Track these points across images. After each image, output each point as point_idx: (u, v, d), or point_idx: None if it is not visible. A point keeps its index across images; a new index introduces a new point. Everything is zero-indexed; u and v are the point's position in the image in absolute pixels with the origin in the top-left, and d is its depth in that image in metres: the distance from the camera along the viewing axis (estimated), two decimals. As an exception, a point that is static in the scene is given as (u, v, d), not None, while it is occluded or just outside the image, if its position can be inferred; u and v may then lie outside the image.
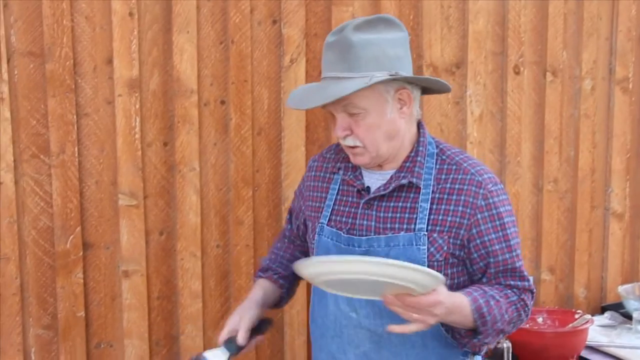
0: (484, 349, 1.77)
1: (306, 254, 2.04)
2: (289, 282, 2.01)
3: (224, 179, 2.46)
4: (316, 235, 1.83)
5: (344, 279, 1.50)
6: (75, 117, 2.22)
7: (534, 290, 1.78)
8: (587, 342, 2.60)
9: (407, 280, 1.45)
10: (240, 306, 1.88)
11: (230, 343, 1.79)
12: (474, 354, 1.81)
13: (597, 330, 2.77)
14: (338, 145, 1.88)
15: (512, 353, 2.55)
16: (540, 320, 2.71)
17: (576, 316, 2.64)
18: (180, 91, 2.35)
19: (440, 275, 1.48)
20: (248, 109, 2.45)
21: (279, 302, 2.02)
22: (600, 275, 3.22)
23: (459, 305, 1.61)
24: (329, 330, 1.81)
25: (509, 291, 1.73)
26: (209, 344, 2.50)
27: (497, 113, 2.91)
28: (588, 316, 2.60)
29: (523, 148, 2.98)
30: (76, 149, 2.24)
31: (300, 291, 2.42)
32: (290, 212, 2.11)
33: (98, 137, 2.28)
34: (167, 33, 2.32)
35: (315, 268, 1.51)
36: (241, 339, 1.77)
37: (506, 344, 2.53)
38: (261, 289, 1.95)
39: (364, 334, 1.74)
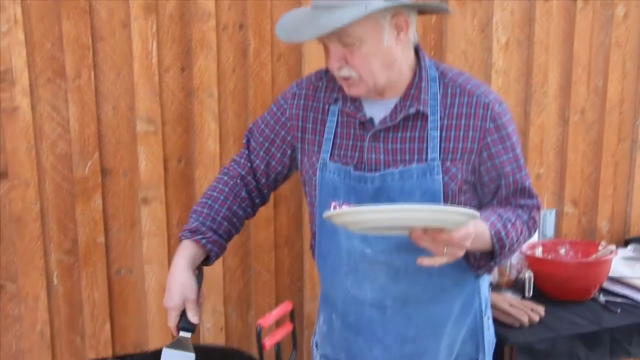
0: (495, 269, 1.76)
1: (256, 202, 1.86)
2: (219, 247, 1.78)
3: (242, 106, 2.42)
4: (318, 171, 1.73)
5: (378, 226, 1.45)
6: (90, 40, 2.18)
7: (541, 206, 1.77)
8: (609, 274, 2.57)
9: (444, 222, 1.41)
10: (176, 281, 1.67)
11: (184, 323, 1.68)
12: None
13: (620, 263, 2.74)
14: (328, 71, 1.75)
15: (534, 284, 2.54)
16: (562, 251, 2.67)
17: (600, 247, 2.60)
18: (197, 15, 2.29)
19: (475, 212, 1.44)
20: (267, 34, 2.38)
21: (204, 262, 1.81)
22: (625, 208, 3.16)
23: (481, 232, 1.57)
24: (342, 267, 1.76)
25: (520, 211, 1.71)
26: (228, 272, 2.52)
27: (524, 41, 2.81)
28: (612, 247, 2.56)
29: (550, 78, 2.89)
30: (92, 73, 2.20)
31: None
32: (249, 146, 1.87)
33: (114, 61, 2.24)
34: (184, -47, 2.25)
35: (349, 217, 1.42)
36: (194, 318, 1.66)
37: (527, 274, 2.52)
38: (190, 255, 1.73)
39: (380, 269, 1.71)
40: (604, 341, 2.35)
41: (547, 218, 2.97)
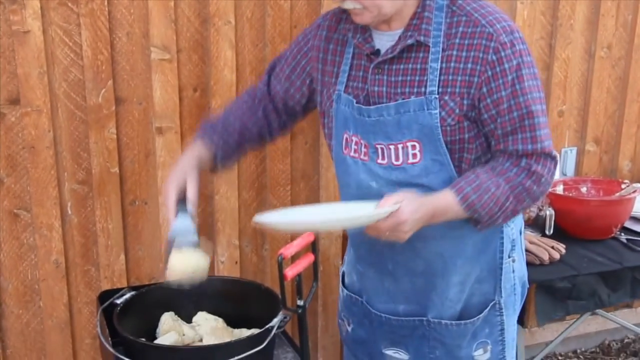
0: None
1: (273, 125, 1.85)
2: (224, 152, 1.80)
3: (260, 34, 2.34)
4: (334, 103, 1.70)
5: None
6: (103, -39, 2.10)
7: (552, 153, 1.60)
8: (631, 213, 2.53)
9: (355, 223, 1.51)
10: (177, 166, 1.70)
11: (182, 205, 1.62)
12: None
13: (642, 202, 2.69)
14: None
15: (555, 221, 2.50)
16: (584, 190, 2.63)
17: (623, 186, 2.55)
18: (214, -64, 2.19)
19: (371, 214, 1.48)
20: (286, -41, 2.29)
21: (212, 168, 1.83)
22: (648, 148, 3.10)
23: (442, 207, 1.55)
24: (354, 198, 1.73)
25: (514, 169, 1.57)
26: (243, 205, 2.48)
27: (551, -29, 2.71)
28: (637, 185, 2.51)
29: (577, 10, 2.79)
30: (105, -4, 2.13)
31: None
32: (272, 73, 1.85)
33: (128, -15, 2.15)
34: None
35: (271, 227, 1.58)
36: (191, 195, 1.63)
37: (549, 212, 2.47)
38: (196, 151, 1.77)
39: None
40: (625, 280, 2.32)
41: (568, 156, 2.92)
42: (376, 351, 1.86)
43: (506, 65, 1.53)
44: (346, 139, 1.70)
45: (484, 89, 1.55)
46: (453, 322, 1.74)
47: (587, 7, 2.81)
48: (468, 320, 1.74)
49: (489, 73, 1.54)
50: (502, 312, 1.77)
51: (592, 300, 2.30)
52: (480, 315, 1.75)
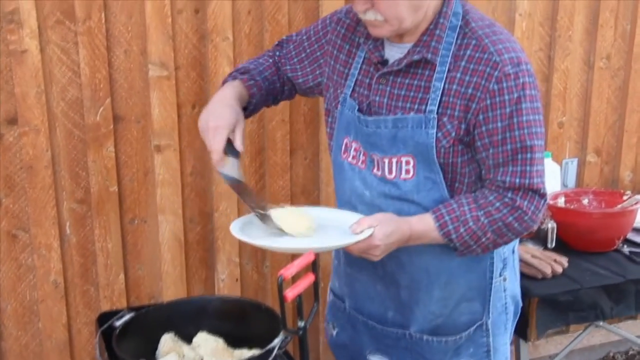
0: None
1: (285, 88, 1.86)
2: (259, 97, 1.79)
3: (258, 49, 2.33)
4: (339, 105, 1.70)
5: None
6: (100, -20, 2.09)
7: (541, 191, 1.58)
8: (634, 225, 2.51)
9: (321, 251, 1.56)
10: (223, 104, 1.66)
11: (230, 148, 1.63)
12: None
13: (644, 214, 2.67)
14: None
15: (557, 234, 2.48)
16: (585, 202, 2.61)
17: (624, 197, 2.53)
18: (211, -47, 2.19)
19: (343, 242, 1.54)
20: (284, -26, 2.29)
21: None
22: (649, 158, 3.09)
23: (419, 232, 1.58)
24: (347, 203, 1.74)
25: (497, 204, 1.56)
26: (244, 221, 2.46)
27: (549, -18, 2.70)
28: (638, 197, 2.49)
29: (576, 21, 2.79)
30: (103, 15, 2.12)
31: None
32: (283, 47, 1.85)
33: (125, 2, 2.14)
34: None
35: (243, 240, 1.60)
36: (241, 146, 1.64)
37: (550, 225, 2.46)
38: (237, 91, 1.72)
39: (376, 212, 1.65)
40: (629, 293, 2.30)
41: (569, 167, 2.90)
42: (360, 356, 1.86)
43: (506, 97, 1.51)
44: (346, 143, 1.70)
45: (480, 117, 1.54)
46: (434, 337, 1.74)
47: (586, 17, 2.81)
48: (449, 338, 1.73)
49: (488, 102, 1.52)
50: (488, 334, 1.76)
51: (593, 313, 2.28)
52: (463, 334, 1.74)
